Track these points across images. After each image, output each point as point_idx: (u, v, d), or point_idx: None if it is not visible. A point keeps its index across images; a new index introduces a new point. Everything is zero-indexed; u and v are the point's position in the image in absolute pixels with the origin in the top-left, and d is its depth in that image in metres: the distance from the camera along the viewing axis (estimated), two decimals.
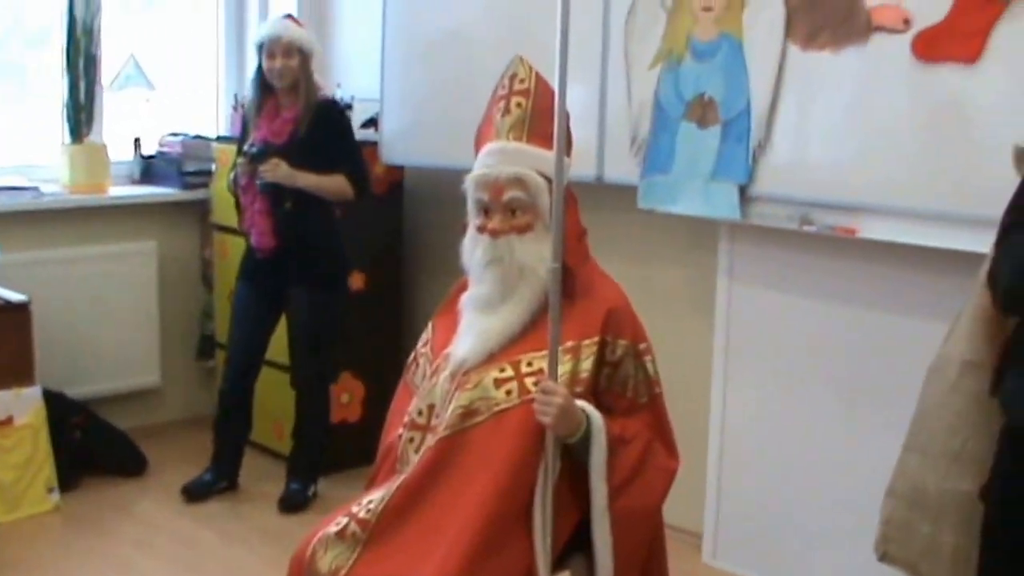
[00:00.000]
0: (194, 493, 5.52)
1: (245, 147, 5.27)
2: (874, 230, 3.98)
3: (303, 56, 5.19)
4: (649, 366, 3.05)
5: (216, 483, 5.59)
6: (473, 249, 3.07)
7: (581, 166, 4.51)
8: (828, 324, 4.35)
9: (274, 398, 5.87)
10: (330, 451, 5.63)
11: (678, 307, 4.88)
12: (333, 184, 5.26)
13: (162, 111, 6.83)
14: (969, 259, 3.53)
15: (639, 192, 4.59)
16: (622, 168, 4.67)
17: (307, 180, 5.19)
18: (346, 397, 5.82)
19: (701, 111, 4.35)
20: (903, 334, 4.07)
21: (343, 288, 5.55)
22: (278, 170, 5.13)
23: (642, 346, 3.05)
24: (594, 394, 2.98)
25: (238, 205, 5.43)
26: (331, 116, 5.36)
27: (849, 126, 4.02)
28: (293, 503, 5.42)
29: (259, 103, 5.31)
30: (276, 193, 5.19)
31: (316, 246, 5.34)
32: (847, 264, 4.24)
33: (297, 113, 5.23)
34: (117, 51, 6.55)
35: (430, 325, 3.28)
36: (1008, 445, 3.15)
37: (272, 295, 5.41)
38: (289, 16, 5.37)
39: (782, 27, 4.12)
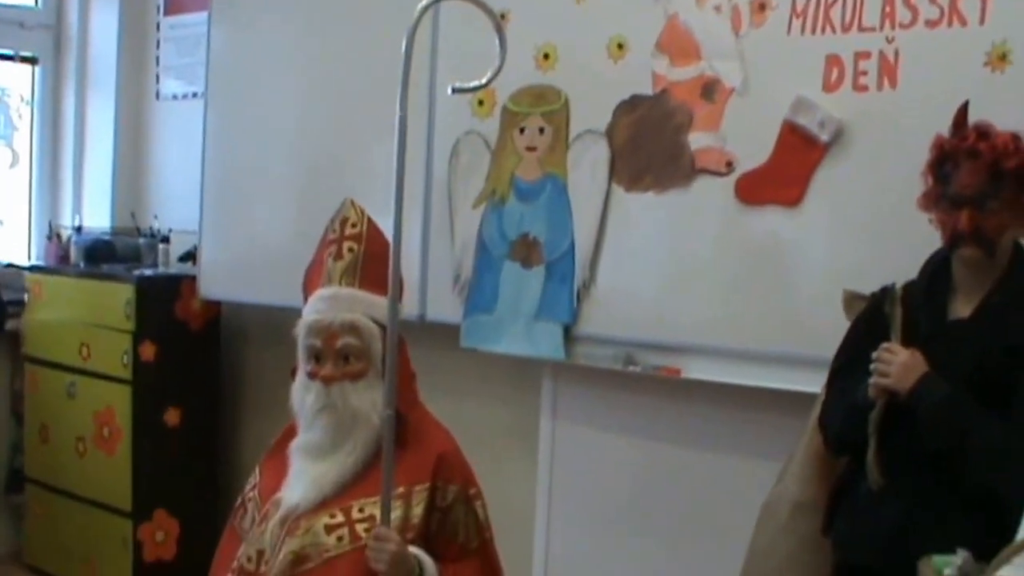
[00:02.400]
0: None
1: None
2: (698, 370, 4.02)
3: None
4: (479, 511, 3.04)
5: None
6: (304, 395, 3.01)
7: (403, 304, 4.50)
8: (654, 464, 4.35)
9: (87, 534, 5.77)
10: None
11: (502, 447, 4.84)
12: None
13: None
14: (794, 399, 3.59)
15: (462, 331, 4.56)
16: (445, 307, 4.65)
17: None
18: (161, 535, 5.65)
19: (525, 251, 4.36)
20: (730, 474, 4.09)
21: None
22: None
23: (472, 491, 3.04)
24: (425, 540, 2.94)
25: None
26: None
27: (673, 267, 4.06)
28: None
29: None
30: None
31: None
32: (672, 404, 4.26)
33: None
34: None
35: (257, 469, 3.21)
36: None
37: None
38: None
39: (606, 168, 4.17)
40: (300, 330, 3.03)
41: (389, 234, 2.92)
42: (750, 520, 3.48)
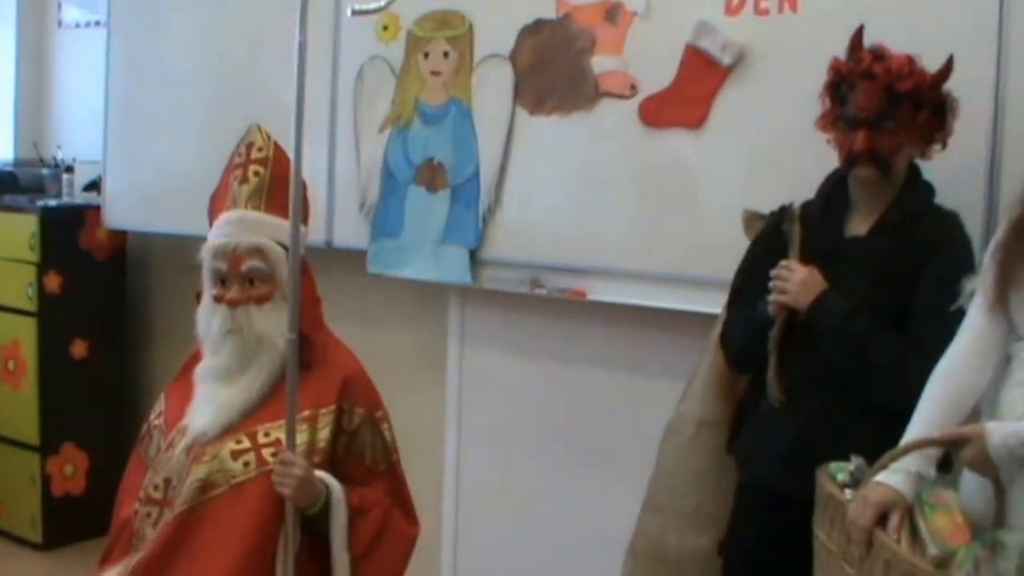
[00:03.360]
0: None
1: None
2: (603, 292, 4.05)
3: None
4: (386, 433, 3.07)
5: None
6: (210, 319, 3.01)
7: (310, 230, 4.50)
8: (561, 385, 4.39)
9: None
10: (54, 526, 5.47)
11: (411, 371, 4.86)
12: None
13: None
14: (698, 319, 3.63)
15: (368, 256, 4.56)
16: (352, 233, 4.65)
17: None
18: (69, 469, 5.62)
19: (430, 175, 4.37)
20: (635, 394, 4.14)
21: None
22: None
23: (379, 414, 3.06)
24: (332, 463, 2.96)
25: None
26: None
27: (578, 190, 4.08)
28: None
29: None
30: None
31: None
32: (579, 326, 4.29)
33: None
34: None
35: (162, 396, 3.21)
36: (743, 500, 3.25)
37: None
38: None
39: (511, 92, 4.17)
40: (205, 253, 3.02)
41: (311, 160, 2.91)
42: (656, 438, 3.53)
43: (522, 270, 4.21)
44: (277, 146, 3.07)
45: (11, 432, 5.65)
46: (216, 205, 3.11)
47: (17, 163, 6.20)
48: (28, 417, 5.57)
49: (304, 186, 3.03)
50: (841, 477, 2.72)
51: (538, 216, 4.18)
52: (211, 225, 3.08)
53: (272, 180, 3.04)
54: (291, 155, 2.92)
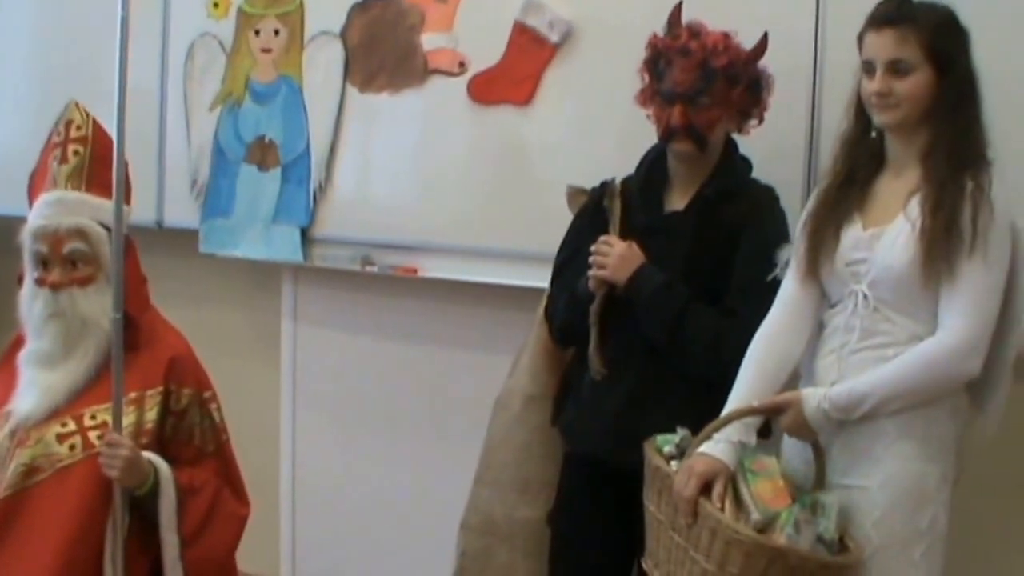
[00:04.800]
0: None
1: None
2: (434, 268, 4.07)
3: None
4: (215, 414, 3.07)
5: None
6: (32, 302, 2.97)
7: (140, 211, 4.43)
8: (394, 362, 4.40)
9: None
10: None
11: (244, 352, 4.83)
12: None
13: None
14: (527, 294, 3.67)
15: (200, 236, 4.53)
16: (182, 212, 4.60)
17: None
18: None
19: (261, 153, 4.34)
20: (467, 369, 4.17)
21: None
22: None
23: (207, 394, 3.06)
24: (160, 444, 2.95)
25: None
26: None
27: (409, 167, 4.10)
28: None
29: None
30: None
31: None
32: (411, 303, 4.31)
33: None
34: None
35: None
36: (569, 472, 3.30)
37: None
38: None
39: (340, 69, 4.17)
40: (26, 236, 2.98)
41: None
42: (487, 413, 3.56)
43: (354, 248, 4.21)
44: (96, 124, 3.03)
45: None
46: (35, 185, 3.07)
47: None
48: None
49: (125, 164, 3.01)
50: (668, 449, 2.78)
51: (369, 194, 4.19)
52: (31, 205, 3.03)
53: (92, 159, 3.00)
54: (114, 134, 2.88)
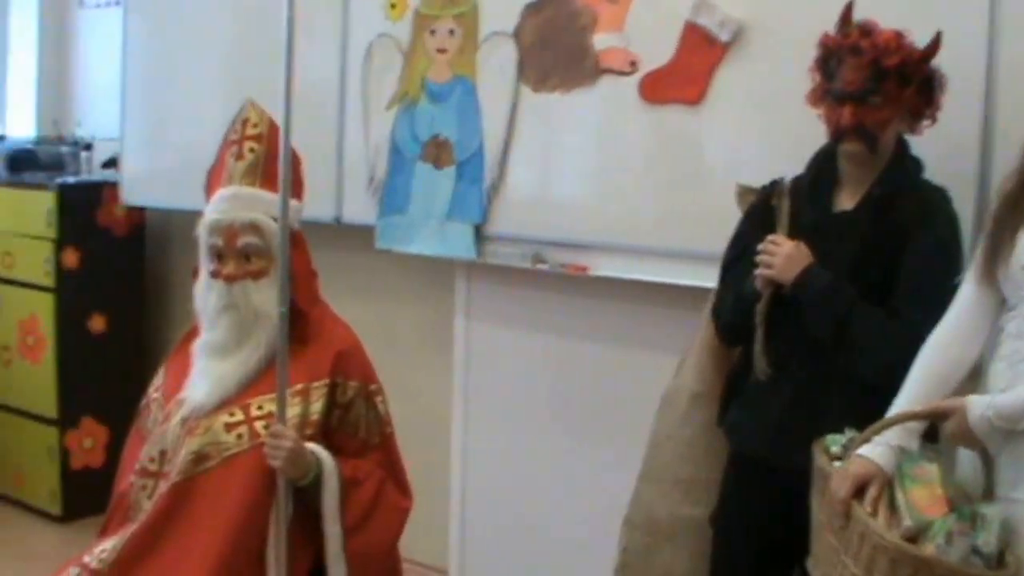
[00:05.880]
0: None
1: None
2: (604, 267, 4.07)
3: None
4: (380, 407, 3.10)
5: None
6: (207, 295, 3.06)
7: (319, 207, 4.54)
8: (564, 360, 4.42)
9: (13, 444, 5.80)
10: (73, 499, 5.56)
11: (418, 346, 4.91)
12: None
13: None
14: (695, 293, 3.66)
15: (377, 232, 4.60)
16: (360, 209, 4.69)
17: None
18: (88, 442, 5.70)
19: (436, 152, 4.40)
20: (636, 368, 4.16)
21: None
22: None
23: (373, 387, 3.10)
24: (325, 436, 3.00)
25: None
26: None
27: (580, 166, 4.11)
28: None
29: None
30: None
31: None
32: (581, 301, 4.32)
33: None
34: None
35: (161, 370, 3.26)
36: (733, 472, 3.28)
37: None
38: None
39: (514, 69, 4.20)
40: (202, 230, 3.07)
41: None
42: (653, 411, 3.56)
43: (525, 245, 4.24)
44: (272, 122, 3.09)
45: (30, 406, 5.73)
46: (212, 181, 3.16)
47: (38, 141, 6.26)
48: (47, 391, 5.64)
49: (298, 161, 3.08)
50: (834, 449, 2.75)
51: (541, 192, 4.21)
52: (208, 201, 3.12)
53: (267, 156, 3.07)
54: (282, 132, 2.94)
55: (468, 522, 4.77)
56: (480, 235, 4.32)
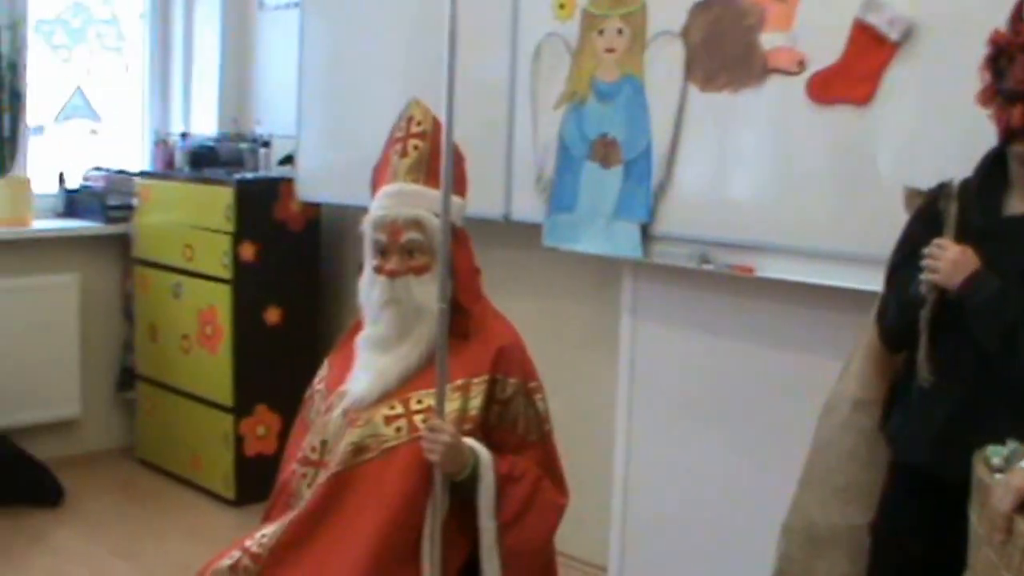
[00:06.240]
0: None
1: None
2: (770, 268, 4.04)
3: None
4: (539, 404, 3.11)
5: None
6: (370, 289, 3.12)
7: (489, 204, 4.59)
8: (728, 361, 4.39)
9: (192, 429, 6.01)
10: (246, 484, 5.74)
11: (583, 343, 4.92)
12: None
13: (92, 145, 6.96)
14: (863, 297, 3.60)
15: (544, 230, 4.62)
16: (528, 206, 4.71)
17: None
18: (262, 430, 5.83)
19: (604, 151, 4.41)
20: (799, 371, 4.12)
21: None
22: None
23: (532, 384, 3.11)
24: (484, 431, 3.02)
25: None
26: None
27: (748, 166, 4.08)
28: None
29: None
30: None
31: None
32: (746, 302, 4.29)
33: None
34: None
35: (326, 362, 3.34)
36: (894, 480, 3.23)
37: None
38: None
39: (682, 68, 4.18)
40: (366, 225, 3.13)
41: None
42: (816, 416, 3.53)
43: (691, 245, 4.22)
44: (436, 120, 3.13)
45: (208, 393, 5.91)
46: (377, 178, 3.21)
47: (219, 138, 6.43)
48: (223, 379, 5.81)
49: (461, 159, 3.12)
50: (995, 461, 2.68)
51: (707, 192, 4.18)
52: (373, 197, 3.18)
53: (431, 153, 3.11)
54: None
55: (629, 520, 4.77)
56: (646, 234, 4.31)
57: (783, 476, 3.60)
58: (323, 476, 2.99)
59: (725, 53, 4.08)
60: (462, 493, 2.95)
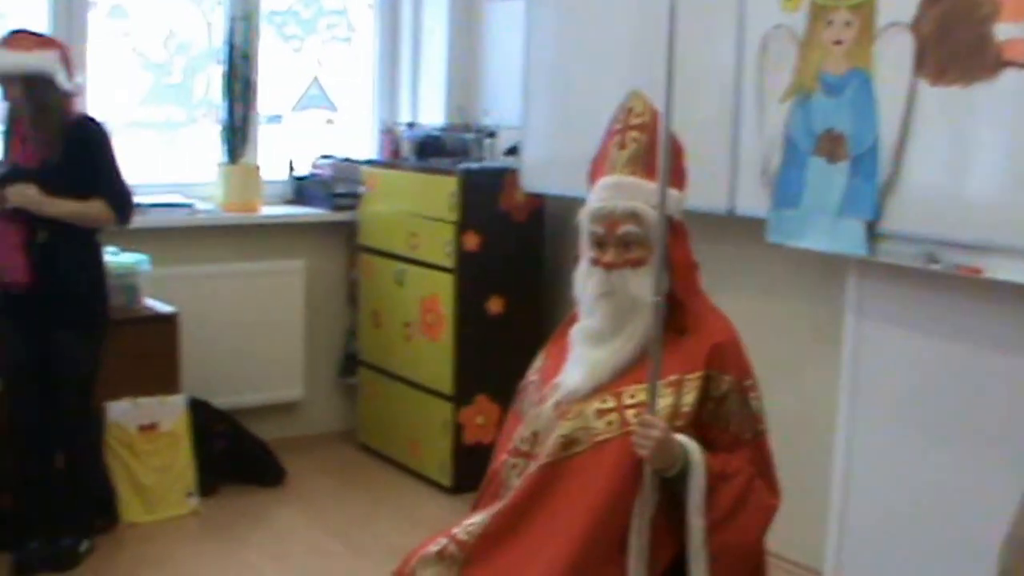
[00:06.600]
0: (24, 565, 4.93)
1: None
2: (1000, 270, 3.89)
3: (28, 82, 4.69)
4: (753, 403, 3.06)
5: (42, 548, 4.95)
6: (586, 281, 3.11)
7: (712, 198, 4.54)
8: (954, 364, 4.24)
9: (412, 416, 6.11)
10: (462, 472, 5.80)
11: (803, 342, 4.84)
12: (90, 210, 4.81)
13: (326, 134, 7.17)
14: None
15: (768, 226, 4.54)
16: (753, 201, 4.64)
17: (59, 207, 4.73)
18: (480, 419, 5.88)
19: (830, 146, 4.31)
20: None
21: (105, 324, 5.06)
22: (26, 195, 4.68)
23: (747, 382, 3.05)
24: (697, 428, 2.98)
25: None
26: (85, 135, 4.85)
27: (979, 163, 3.94)
28: (63, 562, 4.92)
29: (9, 126, 4.87)
30: (29, 224, 4.74)
31: (76, 281, 4.89)
32: (974, 304, 4.14)
33: (47, 136, 4.76)
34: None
35: (541, 354, 3.35)
36: None
37: (32, 332, 4.89)
38: (13, 35, 4.81)
39: (911, 61, 4.06)
40: (583, 217, 3.12)
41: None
42: None
43: (918, 244, 4.09)
44: (655, 112, 3.10)
45: (428, 381, 5.99)
46: (595, 169, 3.20)
47: (445, 128, 6.49)
48: (444, 368, 5.88)
49: (680, 151, 3.09)
50: None
51: (937, 190, 4.05)
52: (590, 189, 3.17)
53: (650, 145, 3.08)
54: (663, 119, 2.95)
55: (846, 523, 4.66)
56: (872, 232, 4.20)
57: (1008, 485, 3.48)
58: (532, 467, 3.00)
59: (956, 45, 3.94)
60: (671, 490, 2.92)
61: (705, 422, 3.01)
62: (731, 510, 2.94)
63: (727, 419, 3.03)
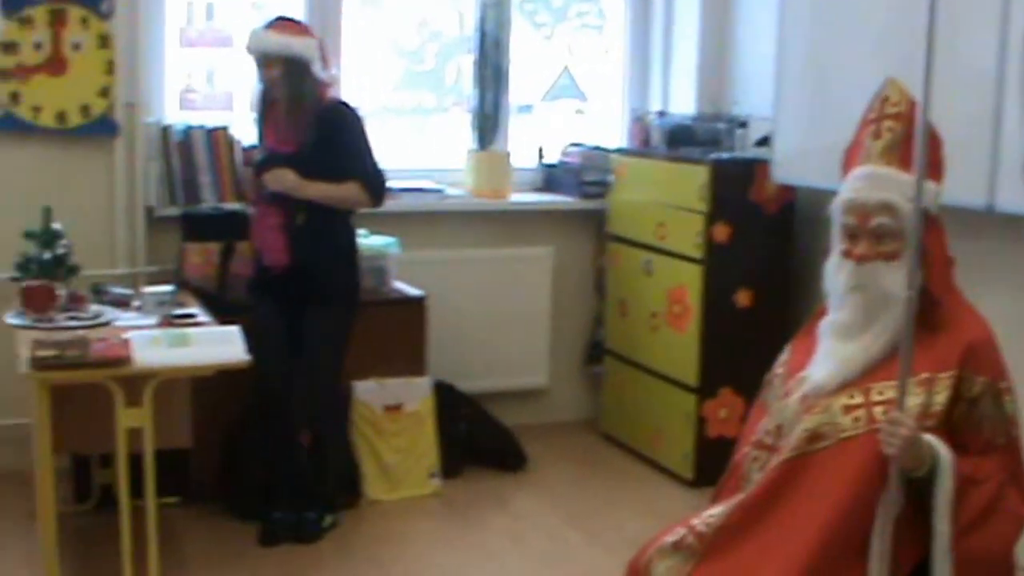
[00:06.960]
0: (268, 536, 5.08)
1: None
2: None
3: (288, 65, 4.85)
4: (1008, 406, 2.94)
5: (286, 519, 5.11)
6: (836, 274, 3.05)
7: (970, 193, 4.39)
8: None
9: (655, 407, 6.07)
10: (704, 466, 5.72)
11: None
12: (346, 192, 4.94)
13: (576, 123, 7.16)
14: None
15: None
16: (1014, 197, 4.46)
17: (316, 190, 4.87)
18: (724, 412, 5.81)
19: None
20: None
21: (356, 304, 5.17)
22: (284, 180, 4.86)
23: (1002, 384, 2.93)
24: (947, 430, 2.88)
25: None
26: (339, 119, 4.99)
27: None
28: (306, 534, 5.06)
29: (263, 112, 5.06)
30: (287, 207, 4.93)
31: (331, 261, 5.04)
32: None
33: (300, 121, 4.90)
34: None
35: (788, 347, 3.29)
36: None
37: (286, 310, 5.05)
38: (278, 21, 4.98)
39: None
40: (835, 209, 3.05)
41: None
42: None
43: None
44: (912, 102, 3.00)
45: (673, 372, 5.93)
46: (849, 159, 3.13)
47: (696, 117, 6.43)
48: (689, 359, 5.81)
49: (938, 142, 3.00)
50: None
51: None
52: (843, 180, 3.09)
53: (905, 136, 2.98)
54: (921, 112, 2.86)
55: None
56: None
57: None
58: (775, 461, 2.95)
59: None
60: (918, 492, 2.82)
61: (956, 424, 2.90)
62: (980, 517, 2.83)
63: (979, 422, 2.91)
